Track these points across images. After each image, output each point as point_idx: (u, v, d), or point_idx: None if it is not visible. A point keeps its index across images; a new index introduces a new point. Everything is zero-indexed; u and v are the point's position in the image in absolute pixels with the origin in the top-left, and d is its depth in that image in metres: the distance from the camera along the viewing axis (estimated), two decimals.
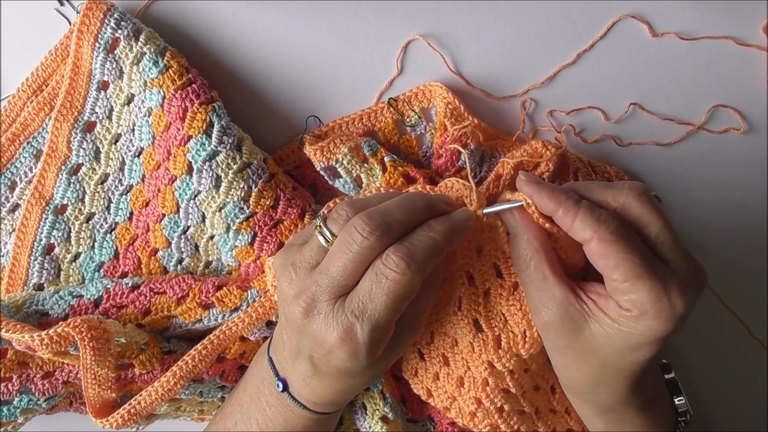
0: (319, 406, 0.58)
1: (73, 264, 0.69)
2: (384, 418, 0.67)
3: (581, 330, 0.52)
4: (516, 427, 0.62)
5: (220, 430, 0.63)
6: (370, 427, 0.67)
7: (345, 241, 0.50)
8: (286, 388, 0.58)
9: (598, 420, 0.57)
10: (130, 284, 0.65)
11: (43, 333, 0.58)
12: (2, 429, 0.65)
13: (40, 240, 0.68)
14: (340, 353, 0.51)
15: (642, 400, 0.56)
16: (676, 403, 0.60)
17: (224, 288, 0.64)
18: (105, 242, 0.69)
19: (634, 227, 0.51)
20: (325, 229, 0.53)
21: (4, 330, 0.59)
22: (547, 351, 0.57)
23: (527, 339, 0.57)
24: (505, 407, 0.61)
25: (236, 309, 0.63)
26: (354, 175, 0.65)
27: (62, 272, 0.69)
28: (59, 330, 0.59)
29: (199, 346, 0.62)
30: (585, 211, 0.50)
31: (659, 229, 0.51)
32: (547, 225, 0.53)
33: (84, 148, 0.67)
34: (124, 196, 0.68)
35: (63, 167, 0.67)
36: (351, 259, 0.50)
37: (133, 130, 0.66)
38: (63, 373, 0.65)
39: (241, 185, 0.63)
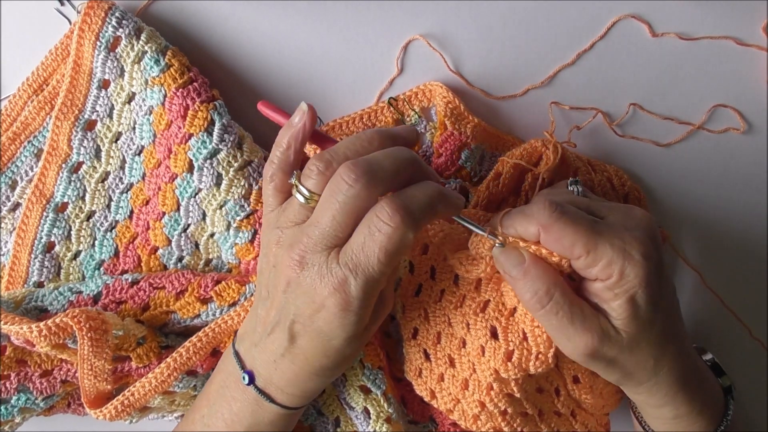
0: (286, 397, 0.57)
1: (74, 262, 0.69)
2: (389, 420, 0.66)
3: (617, 331, 0.52)
4: (519, 429, 0.62)
5: (188, 426, 0.62)
6: (374, 430, 0.66)
7: (331, 191, 0.50)
8: (252, 381, 0.57)
9: (668, 408, 0.57)
10: (129, 280, 0.65)
11: (42, 324, 0.58)
12: (0, 428, 0.65)
13: (41, 238, 0.68)
14: (332, 306, 0.50)
15: (696, 370, 0.57)
16: (720, 381, 0.61)
17: (222, 282, 0.64)
18: (105, 240, 0.69)
19: None
20: (302, 187, 0.52)
21: (2, 322, 0.59)
22: (601, 372, 0.56)
23: (540, 358, 0.56)
24: (509, 410, 0.60)
25: (234, 304, 0.63)
26: None
27: (62, 270, 0.69)
28: (57, 321, 0.59)
29: (193, 338, 0.62)
30: (516, 215, 0.53)
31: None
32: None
33: (85, 147, 0.67)
34: (124, 195, 0.68)
35: (64, 165, 0.67)
36: (338, 210, 0.49)
37: (133, 128, 0.67)
38: (61, 372, 0.65)
39: (242, 183, 0.63)
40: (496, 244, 0.53)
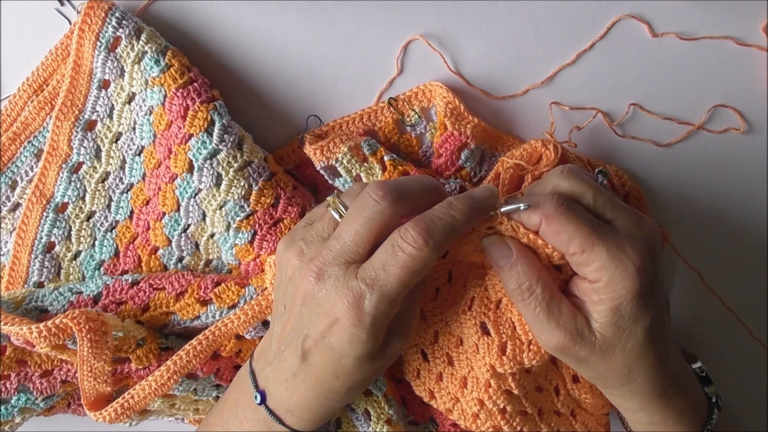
0: (295, 420, 0.57)
1: (74, 262, 0.69)
2: (389, 421, 0.66)
3: (592, 333, 0.53)
4: (519, 428, 0.62)
5: None
6: (375, 431, 0.66)
7: (357, 206, 0.51)
8: (263, 401, 0.57)
9: (643, 414, 0.57)
10: (129, 280, 0.65)
11: (41, 324, 0.58)
12: (0, 428, 0.65)
13: (41, 238, 0.68)
14: (344, 320, 0.50)
15: (676, 380, 0.57)
16: (706, 390, 0.61)
17: (222, 284, 0.64)
18: (105, 241, 0.69)
19: None
20: (339, 204, 0.53)
21: (2, 323, 0.59)
22: (573, 367, 0.57)
23: (532, 348, 0.57)
24: (508, 408, 0.60)
25: (233, 306, 0.63)
26: (354, 174, 0.65)
27: (62, 270, 0.69)
28: (57, 322, 0.59)
29: (194, 341, 0.62)
30: (523, 201, 0.53)
31: (592, 196, 0.54)
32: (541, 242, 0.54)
33: (85, 147, 0.67)
34: (124, 195, 0.68)
35: (64, 165, 0.67)
36: (362, 224, 0.50)
37: (134, 128, 0.67)
38: (61, 372, 0.65)
39: (242, 183, 0.63)
40: (522, 207, 0.53)
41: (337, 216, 0.53)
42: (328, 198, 0.55)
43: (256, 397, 0.57)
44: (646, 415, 0.57)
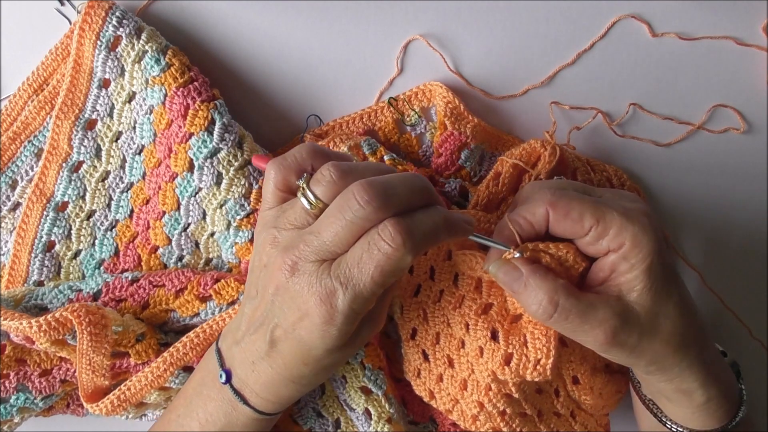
0: (260, 401, 0.56)
1: (74, 261, 0.69)
2: (390, 420, 0.66)
3: (632, 310, 0.52)
4: (518, 429, 0.62)
5: (163, 426, 0.61)
6: (376, 430, 0.66)
7: (340, 207, 0.49)
8: (228, 380, 0.56)
9: (701, 391, 0.56)
10: (129, 278, 0.65)
11: (41, 318, 0.58)
12: None
13: (41, 237, 0.68)
14: (315, 316, 0.49)
15: (716, 354, 0.57)
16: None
17: (222, 281, 0.63)
18: (105, 240, 0.69)
19: None
20: (309, 193, 0.51)
21: (2, 318, 0.59)
22: (630, 363, 0.56)
23: (538, 369, 0.56)
24: (507, 410, 0.60)
25: (233, 302, 0.63)
26: None
27: (62, 269, 0.69)
28: (57, 315, 0.58)
29: (191, 334, 0.62)
30: (521, 207, 0.54)
31: (571, 185, 0.55)
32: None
33: (85, 146, 0.67)
34: (124, 194, 0.68)
35: (64, 165, 0.67)
36: (344, 227, 0.48)
37: (134, 127, 0.67)
38: (61, 372, 0.65)
39: (242, 182, 0.63)
40: (515, 254, 0.53)
41: (307, 205, 0.51)
42: (298, 181, 0.52)
43: (221, 375, 0.56)
44: (703, 392, 0.56)
